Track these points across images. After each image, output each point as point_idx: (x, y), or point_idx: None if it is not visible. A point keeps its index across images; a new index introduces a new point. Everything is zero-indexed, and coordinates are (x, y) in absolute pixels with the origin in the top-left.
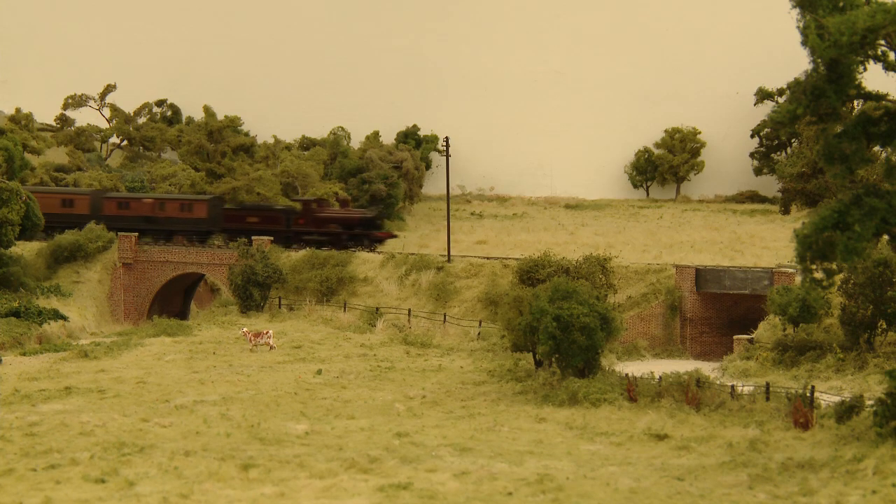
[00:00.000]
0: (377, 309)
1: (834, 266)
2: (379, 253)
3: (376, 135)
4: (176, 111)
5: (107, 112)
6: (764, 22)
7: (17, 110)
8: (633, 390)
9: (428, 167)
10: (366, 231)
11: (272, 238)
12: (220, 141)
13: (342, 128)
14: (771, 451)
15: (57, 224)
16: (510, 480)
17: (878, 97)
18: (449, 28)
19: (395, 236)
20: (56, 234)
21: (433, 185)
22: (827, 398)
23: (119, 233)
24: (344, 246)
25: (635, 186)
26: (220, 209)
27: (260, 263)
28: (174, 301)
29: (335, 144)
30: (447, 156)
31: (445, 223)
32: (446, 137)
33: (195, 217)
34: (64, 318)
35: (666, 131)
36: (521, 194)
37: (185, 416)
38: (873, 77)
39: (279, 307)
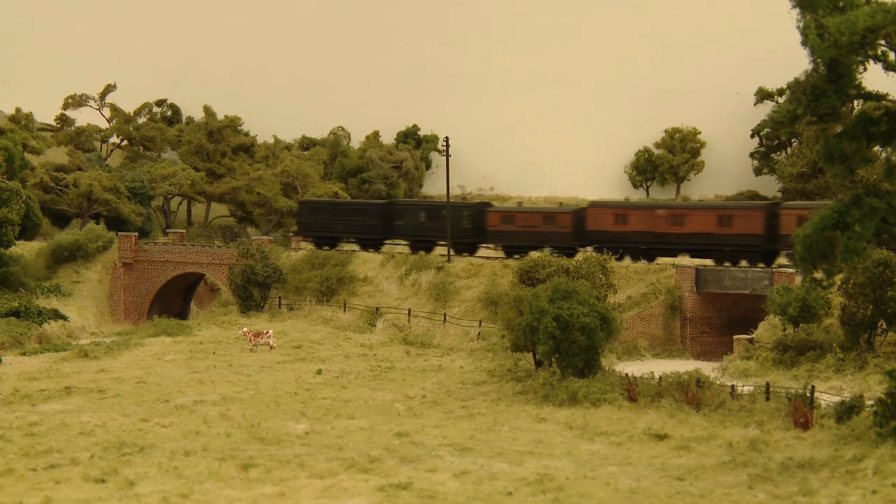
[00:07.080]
0: (377, 309)
1: (834, 266)
2: (379, 253)
3: (376, 135)
4: (176, 111)
5: (107, 112)
6: (764, 22)
7: (17, 110)
8: (633, 390)
9: (428, 167)
10: None
11: None
12: (220, 141)
13: (342, 128)
14: (771, 451)
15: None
16: (510, 480)
17: (878, 97)
18: (449, 28)
19: None
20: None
21: (433, 184)
22: (827, 398)
23: None
24: None
25: (635, 186)
26: None
27: (260, 263)
28: (174, 301)
29: (335, 144)
30: (447, 156)
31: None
32: (446, 137)
33: None
34: (64, 317)
35: (666, 131)
36: (521, 194)
37: (185, 416)
38: (873, 77)
39: (279, 307)
